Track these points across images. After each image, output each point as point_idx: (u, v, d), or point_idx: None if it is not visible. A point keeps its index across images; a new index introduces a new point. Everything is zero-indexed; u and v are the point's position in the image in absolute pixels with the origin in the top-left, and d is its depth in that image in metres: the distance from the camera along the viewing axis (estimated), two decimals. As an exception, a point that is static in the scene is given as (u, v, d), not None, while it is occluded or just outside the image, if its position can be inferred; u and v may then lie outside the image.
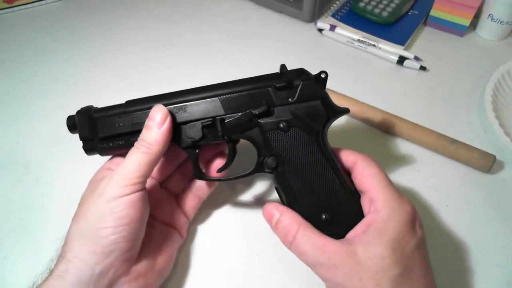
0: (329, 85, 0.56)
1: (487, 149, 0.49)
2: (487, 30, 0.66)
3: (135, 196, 0.33)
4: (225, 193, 0.47)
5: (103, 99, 0.42)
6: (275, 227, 0.35)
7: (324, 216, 0.35)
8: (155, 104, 0.37)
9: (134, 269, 0.34)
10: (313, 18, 0.70)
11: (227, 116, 0.38)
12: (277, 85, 0.37)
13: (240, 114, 0.38)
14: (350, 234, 0.34)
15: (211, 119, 0.38)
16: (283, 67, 0.39)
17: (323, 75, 0.38)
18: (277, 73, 0.39)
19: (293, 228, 0.33)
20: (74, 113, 0.39)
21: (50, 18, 0.72)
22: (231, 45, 0.67)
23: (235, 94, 0.38)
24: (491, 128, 0.50)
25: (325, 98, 0.38)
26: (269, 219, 0.36)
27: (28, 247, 0.43)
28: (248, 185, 0.47)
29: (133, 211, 0.33)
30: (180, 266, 0.41)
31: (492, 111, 0.51)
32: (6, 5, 0.73)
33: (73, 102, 0.58)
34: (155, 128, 0.36)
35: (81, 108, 0.40)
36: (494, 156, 0.47)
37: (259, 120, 0.37)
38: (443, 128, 0.51)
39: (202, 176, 0.40)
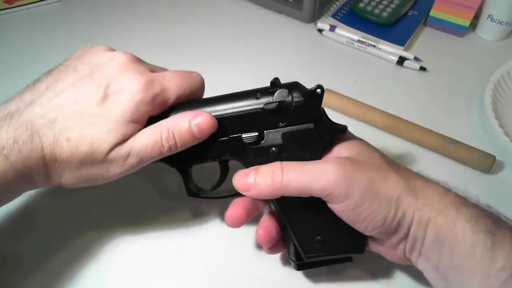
0: (329, 85, 0.56)
1: (487, 149, 0.49)
2: (487, 30, 0.66)
3: None
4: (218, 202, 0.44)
5: (103, 99, 0.42)
6: (255, 181, 0.33)
7: (317, 238, 0.35)
8: None
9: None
10: (313, 18, 0.70)
11: (217, 138, 0.36)
12: (266, 109, 0.34)
13: (229, 137, 0.36)
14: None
15: None
16: (274, 82, 0.35)
17: (318, 91, 0.34)
18: (268, 87, 0.35)
19: (277, 166, 0.32)
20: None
21: (50, 18, 0.72)
22: (231, 45, 0.67)
23: (224, 117, 0.35)
24: (491, 128, 0.50)
25: (319, 119, 0.35)
26: (244, 185, 0.33)
27: (28, 247, 0.43)
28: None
29: None
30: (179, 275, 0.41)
31: (492, 111, 0.51)
32: (6, 5, 0.73)
33: (73, 102, 0.58)
34: None
35: None
36: (494, 157, 0.48)
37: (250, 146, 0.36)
38: (443, 128, 0.51)
39: (195, 194, 0.39)
